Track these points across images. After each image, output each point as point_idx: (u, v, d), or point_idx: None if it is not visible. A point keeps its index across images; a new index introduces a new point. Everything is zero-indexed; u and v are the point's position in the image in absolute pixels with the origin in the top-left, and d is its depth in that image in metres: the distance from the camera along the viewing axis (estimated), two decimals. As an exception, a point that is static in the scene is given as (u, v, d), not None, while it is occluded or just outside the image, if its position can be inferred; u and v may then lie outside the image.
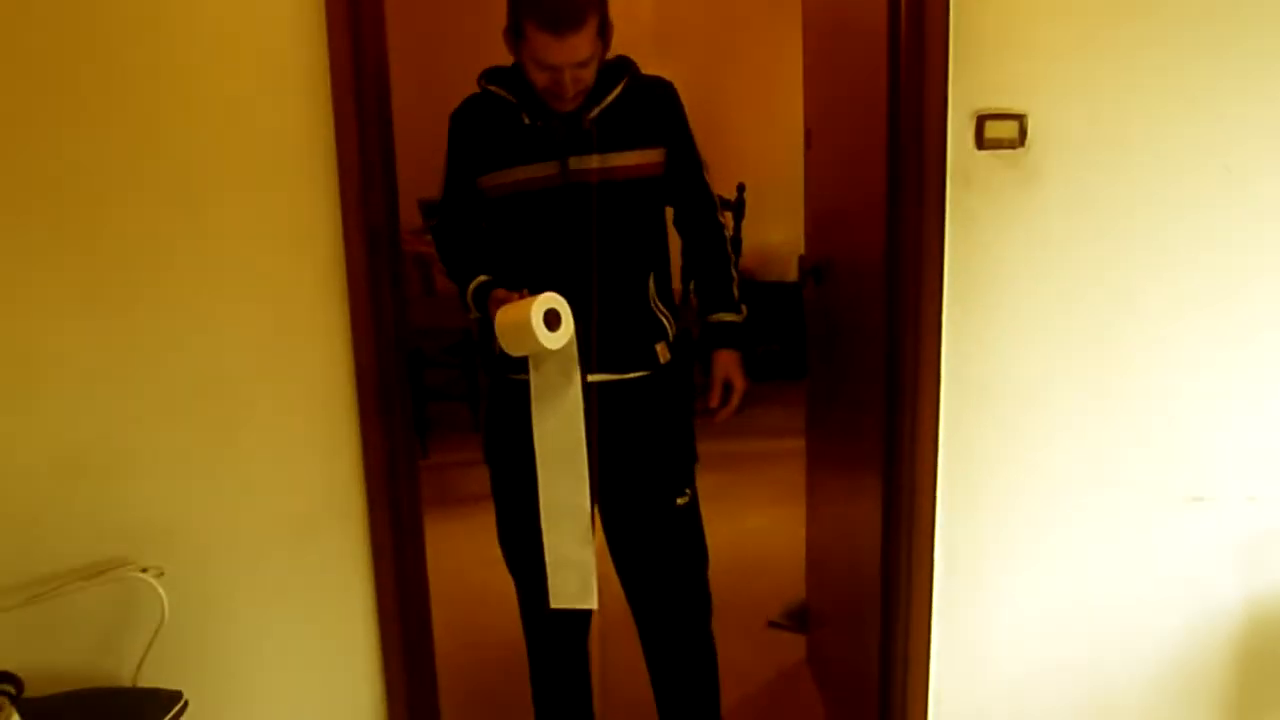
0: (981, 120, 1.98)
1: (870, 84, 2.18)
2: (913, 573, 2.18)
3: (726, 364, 2.34)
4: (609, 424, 2.26)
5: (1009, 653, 2.20)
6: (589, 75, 2.12)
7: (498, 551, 2.49)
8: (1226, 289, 2.03)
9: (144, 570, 2.12)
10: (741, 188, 5.30)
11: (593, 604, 2.26)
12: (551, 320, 2.07)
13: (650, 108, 2.25)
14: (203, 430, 2.14)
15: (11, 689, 1.91)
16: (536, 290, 2.10)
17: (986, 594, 2.18)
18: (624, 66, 2.24)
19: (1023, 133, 1.98)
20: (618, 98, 2.20)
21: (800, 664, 3.12)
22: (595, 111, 2.18)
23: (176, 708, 2.02)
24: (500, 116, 2.21)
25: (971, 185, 2.00)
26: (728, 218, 2.59)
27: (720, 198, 2.44)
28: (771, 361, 4.96)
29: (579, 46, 2.06)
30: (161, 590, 2.10)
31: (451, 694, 2.48)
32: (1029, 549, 2.16)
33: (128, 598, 2.15)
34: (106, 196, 2.04)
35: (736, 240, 2.65)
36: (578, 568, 2.24)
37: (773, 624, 3.19)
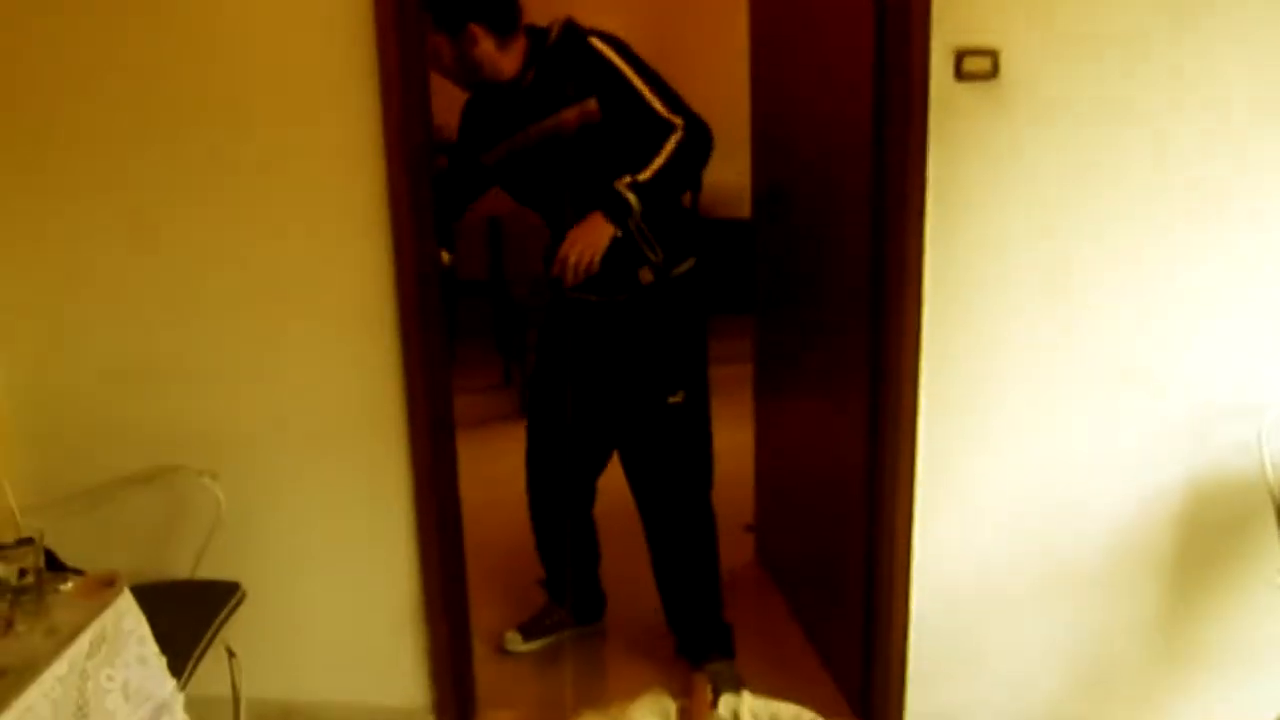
0: (960, 56, 2.21)
1: (847, 25, 2.40)
2: (899, 467, 2.41)
3: (588, 226, 2.36)
4: (599, 338, 2.62)
5: (977, 530, 2.45)
6: (466, 72, 2.50)
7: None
8: (1166, 197, 2.27)
9: (199, 473, 2.28)
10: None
11: None
12: None
13: (578, 63, 2.47)
14: (251, 342, 2.31)
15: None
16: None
17: (959, 481, 2.43)
18: (543, 34, 2.52)
19: (995, 67, 2.21)
20: (550, 60, 2.50)
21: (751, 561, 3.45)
22: (529, 78, 2.51)
23: (236, 596, 2.20)
24: (488, 101, 2.60)
25: (951, 112, 2.23)
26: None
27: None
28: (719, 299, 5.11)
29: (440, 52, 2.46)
30: (218, 491, 2.26)
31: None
32: (996, 440, 2.40)
33: (181, 501, 2.32)
34: (159, 122, 2.17)
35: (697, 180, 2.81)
36: None
37: (749, 528, 3.44)
